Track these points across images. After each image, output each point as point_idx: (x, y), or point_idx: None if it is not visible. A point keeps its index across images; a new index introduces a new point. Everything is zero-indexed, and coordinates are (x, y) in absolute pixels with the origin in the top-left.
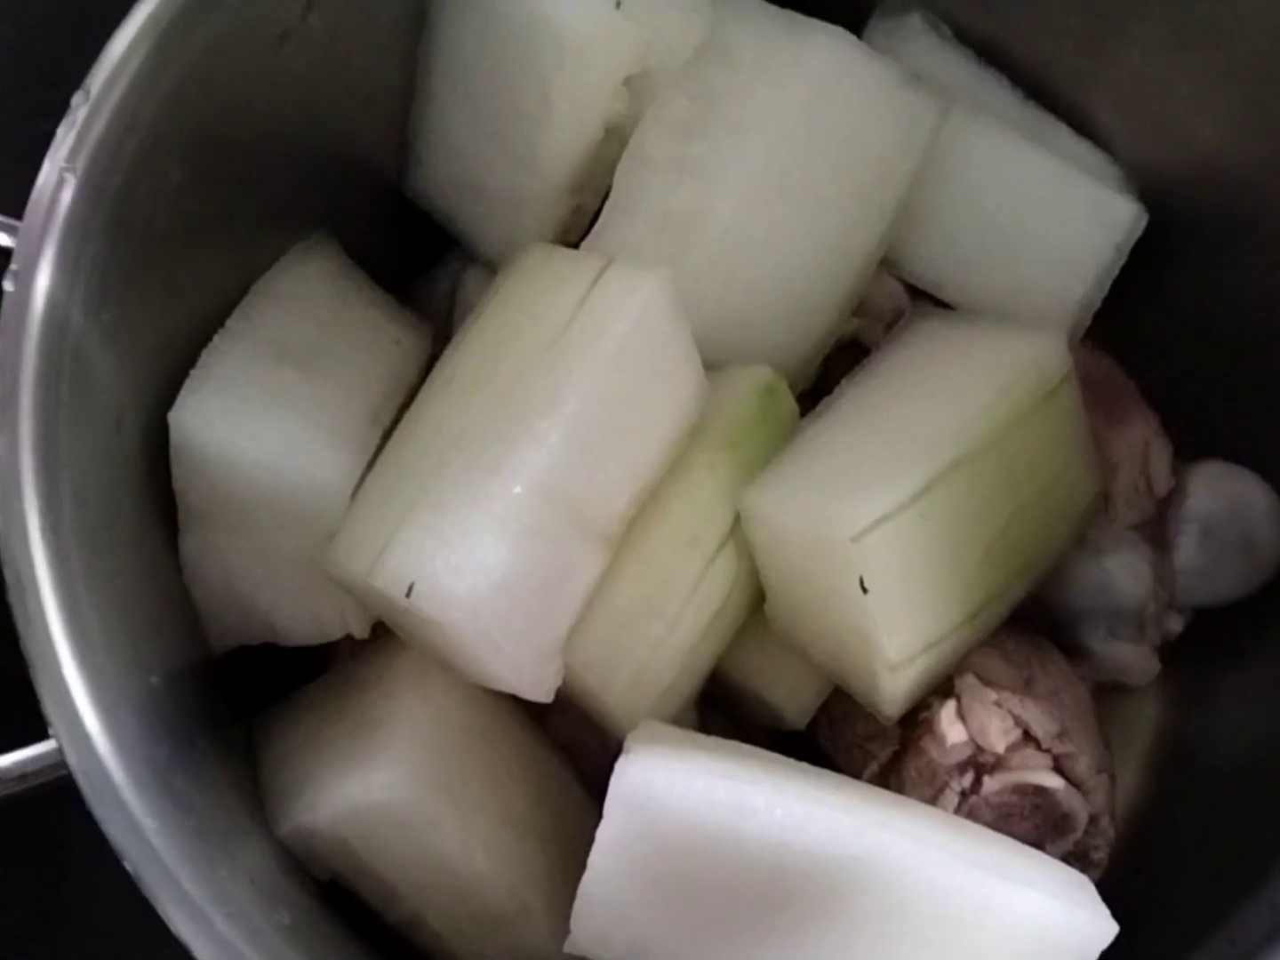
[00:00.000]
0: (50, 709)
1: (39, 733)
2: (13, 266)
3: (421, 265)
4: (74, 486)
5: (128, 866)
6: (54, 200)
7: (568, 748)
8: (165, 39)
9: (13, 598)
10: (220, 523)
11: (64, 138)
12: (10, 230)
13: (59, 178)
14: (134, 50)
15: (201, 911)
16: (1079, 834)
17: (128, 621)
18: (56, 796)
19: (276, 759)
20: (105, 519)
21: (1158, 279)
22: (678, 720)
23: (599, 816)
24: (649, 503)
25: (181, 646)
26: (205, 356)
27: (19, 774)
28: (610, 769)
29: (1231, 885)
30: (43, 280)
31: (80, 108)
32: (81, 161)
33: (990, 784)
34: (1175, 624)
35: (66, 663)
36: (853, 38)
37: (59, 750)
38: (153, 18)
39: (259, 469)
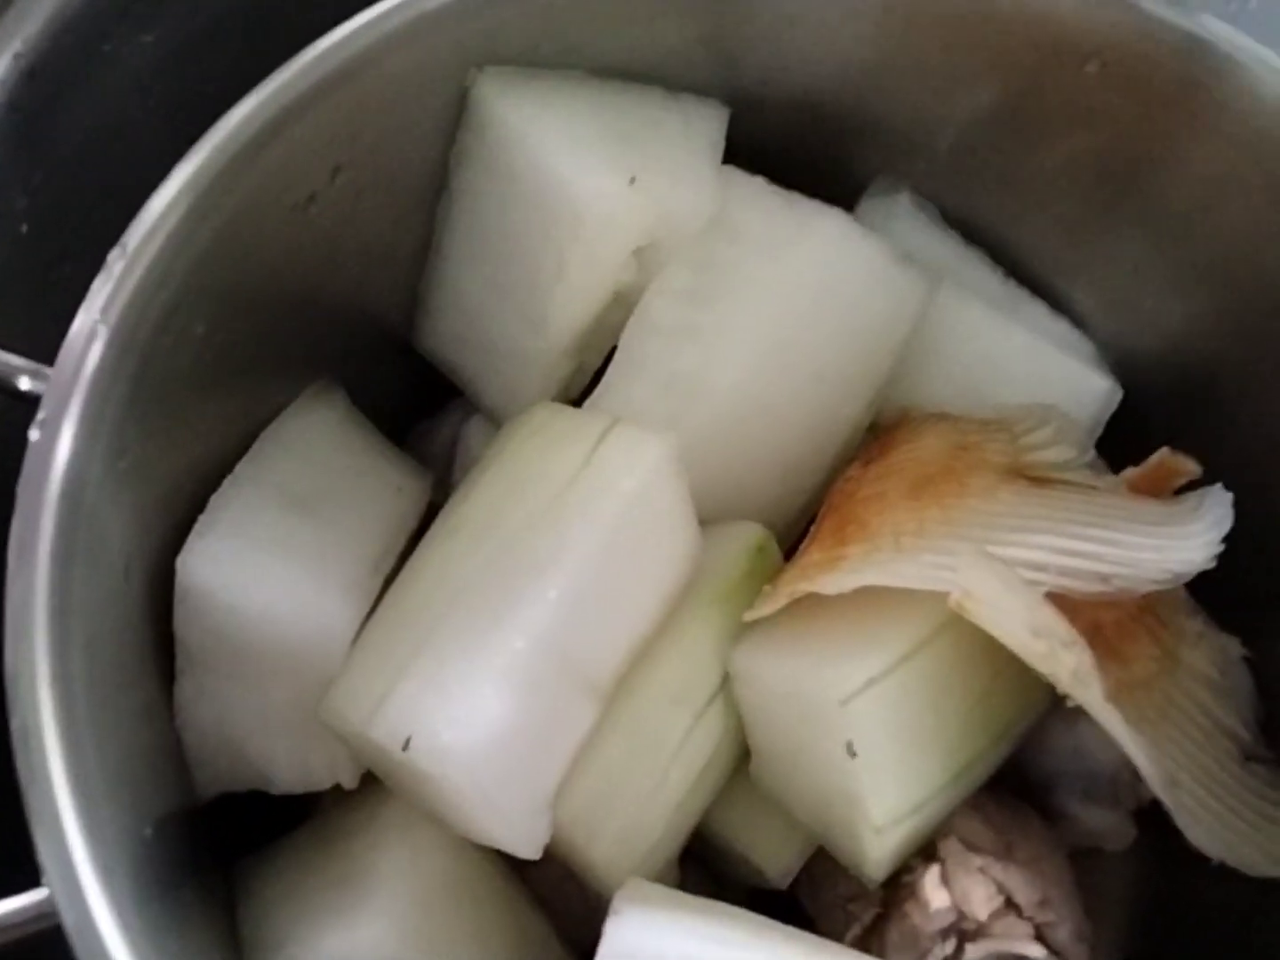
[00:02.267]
0: (48, 862)
1: (21, 883)
2: (40, 415)
3: (422, 412)
4: (83, 634)
5: None
6: (85, 351)
7: (548, 902)
8: (201, 200)
9: (17, 746)
10: (217, 667)
11: (99, 290)
12: (37, 376)
13: (92, 329)
14: (171, 210)
15: None
16: None
17: (126, 772)
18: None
19: (258, 909)
20: (109, 666)
21: (1133, 456)
22: (661, 876)
23: None
24: (641, 657)
25: (172, 794)
26: (214, 502)
27: (6, 924)
28: (590, 923)
29: None
30: (68, 430)
31: (117, 263)
32: (114, 314)
33: (973, 951)
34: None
35: (68, 817)
36: (849, 218)
37: (48, 900)
38: (191, 179)
39: (262, 613)
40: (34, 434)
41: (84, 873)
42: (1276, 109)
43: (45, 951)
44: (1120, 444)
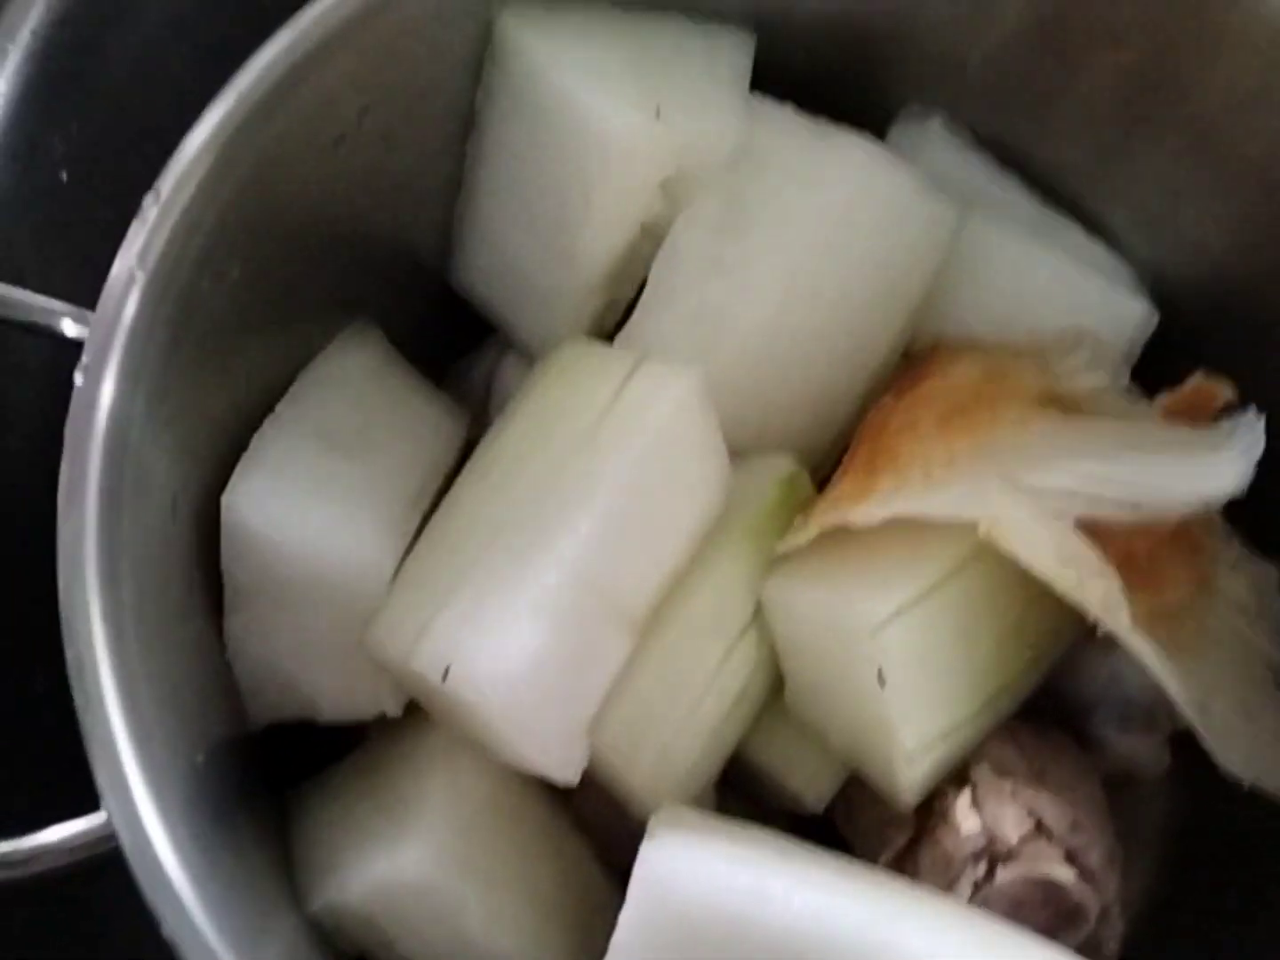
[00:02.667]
0: (105, 786)
1: (78, 807)
2: (83, 360)
3: (457, 351)
4: (132, 571)
5: (167, 936)
6: (124, 296)
7: (589, 828)
8: (231, 144)
9: (73, 677)
10: (265, 602)
11: (135, 236)
12: (81, 320)
13: (129, 274)
14: (202, 154)
15: None
16: (1091, 926)
17: (177, 701)
18: (90, 875)
19: (308, 836)
20: (158, 601)
21: (1170, 379)
22: (698, 801)
23: (617, 895)
24: (674, 589)
25: (223, 723)
26: (256, 442)
27: (67, 847)
28: (630, 849)
29: None
30: (110, 374)
31: (151, 208)
32: (151, 259)
33: (1004, 875)
34: None
35: (122, 742)
36: (878, 145)
37: (106, 824)
38: (220, 124)
39: (305, 550)
40: (78, 378)
41: (139, 796)
42: None
43: (105, 873)
44: (1157, 369)
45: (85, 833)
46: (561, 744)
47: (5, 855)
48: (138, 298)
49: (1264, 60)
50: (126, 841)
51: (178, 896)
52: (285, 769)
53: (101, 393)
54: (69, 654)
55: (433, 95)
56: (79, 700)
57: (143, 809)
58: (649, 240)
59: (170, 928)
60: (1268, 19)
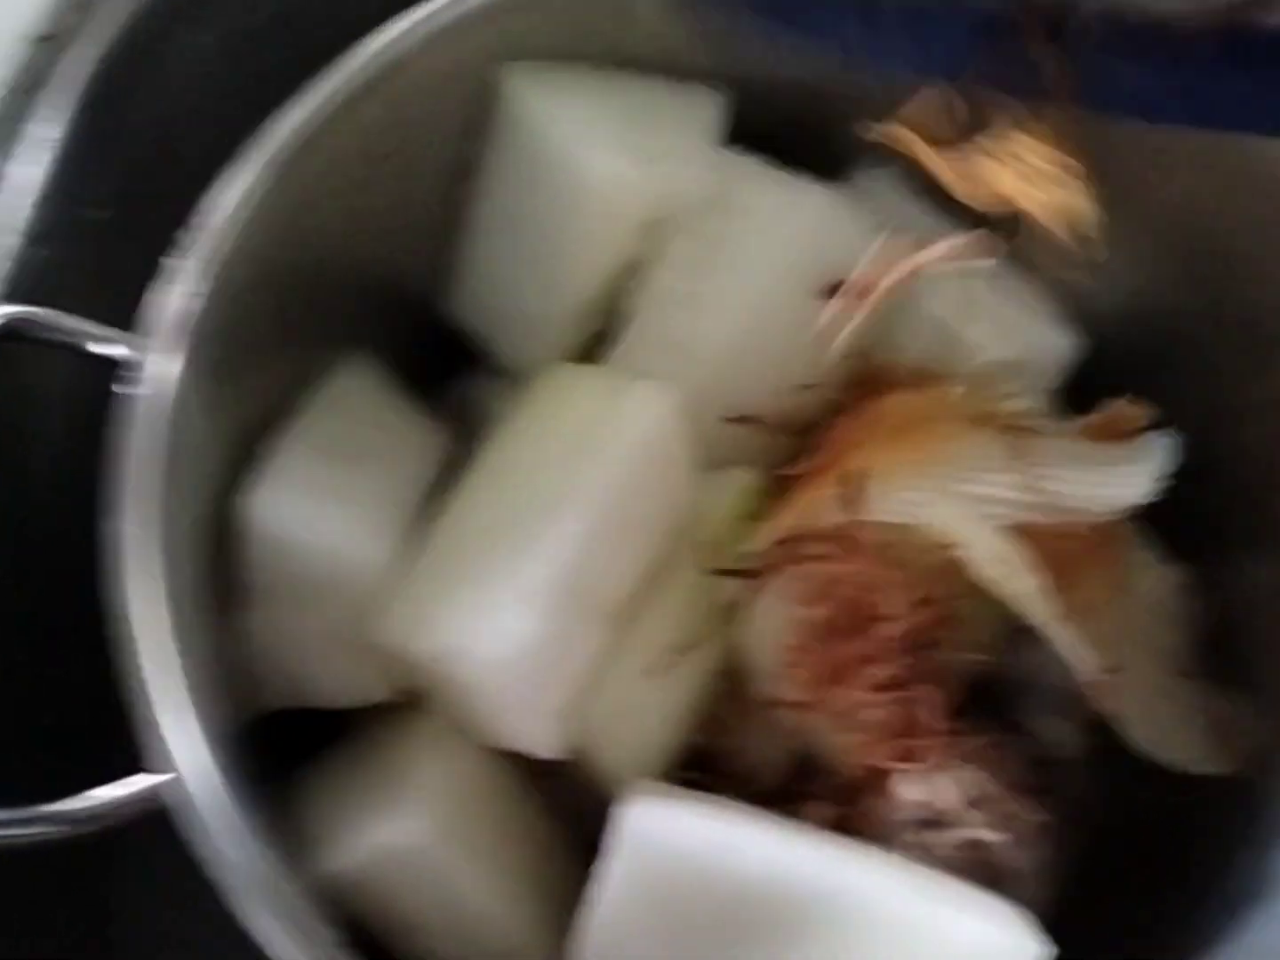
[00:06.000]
0: (176, 746)
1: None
2: (142, 371)
3: (444, 374)
4: (185, 561)
5: (232, 881)
6: (177, 317)
7: (565, 810)
8: (265, 189)
9: (142, 646)
10: (279, 598)
11: (180, 268)
12: (127, 342)
13: (181, 298)
14: (242, 197)
15: (301, 920)
16: (1019, 889)
17: (215, 678)
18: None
19: (312, 809)
20: (199, 590)
21: (1098, 399)
22: (664, 781)
23: (582, 871)
24: (649, 586)
25: (243, 704)
26: (273, 453)
27: (120, 804)
28: (595, 829)
29: (1146, 939)
30: (170, 382)
31: (194, 244)
32: (199, 286)
33: (940, 839)
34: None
35: (187, 707)
36: (833, 194)
37: (146, 790)
38: (257, 170)
39: (317, 551)
40: (139, 391)
41: (198, 749)
42: None
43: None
44: (1084, 391)
45: (144, 790)
46: (547, 723)
47: (76, 811)
48: (191, 318)
49: None
50: (194, 792)
51: (245, 839)
52: (286, 754)
53: (162, 403)
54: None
55: (438, 143)
56: (152, 671)
57: (202, 764)
58: (630, 276)
59: (231, 864)
60: None
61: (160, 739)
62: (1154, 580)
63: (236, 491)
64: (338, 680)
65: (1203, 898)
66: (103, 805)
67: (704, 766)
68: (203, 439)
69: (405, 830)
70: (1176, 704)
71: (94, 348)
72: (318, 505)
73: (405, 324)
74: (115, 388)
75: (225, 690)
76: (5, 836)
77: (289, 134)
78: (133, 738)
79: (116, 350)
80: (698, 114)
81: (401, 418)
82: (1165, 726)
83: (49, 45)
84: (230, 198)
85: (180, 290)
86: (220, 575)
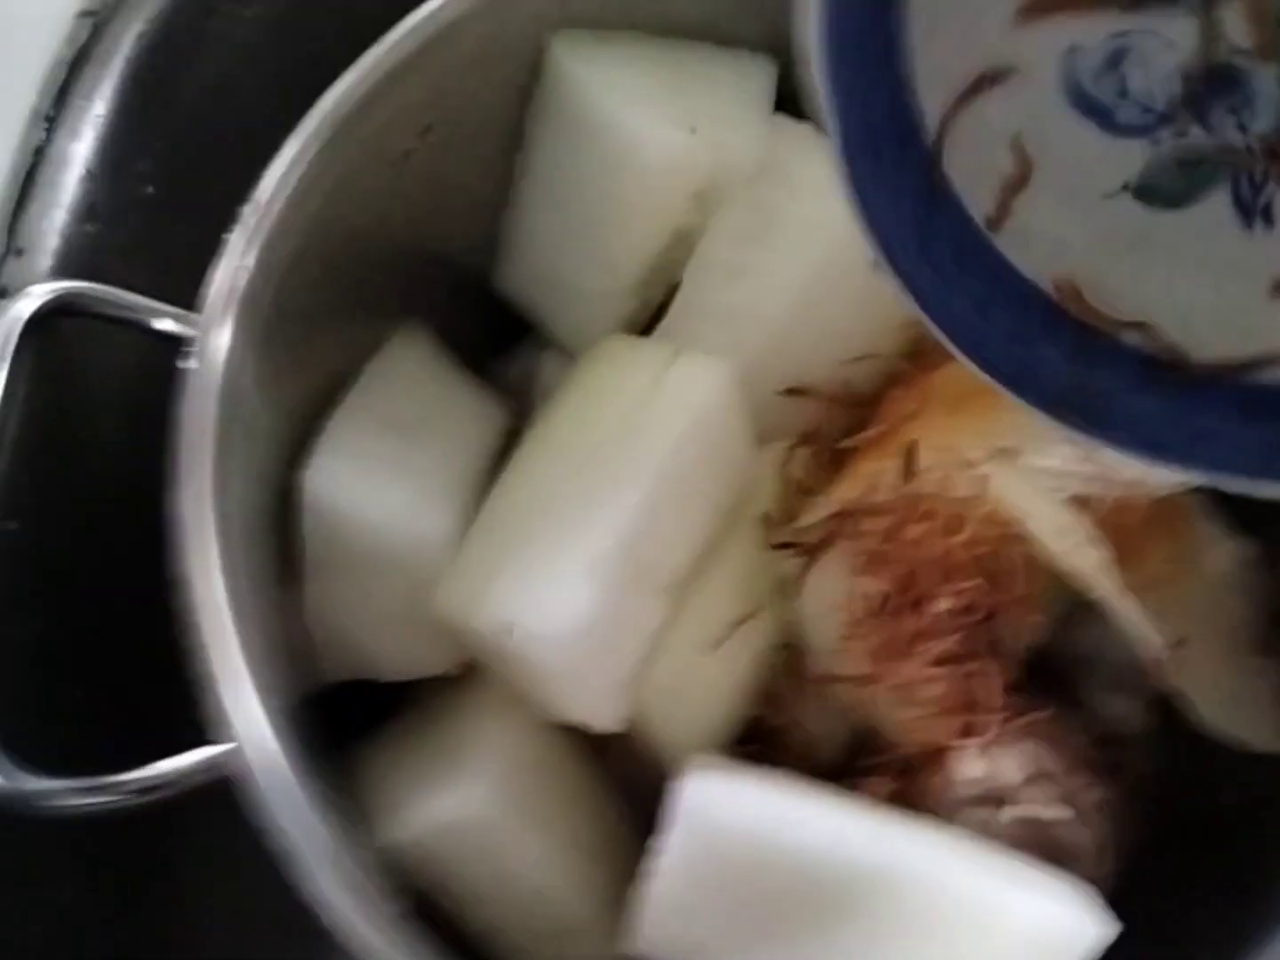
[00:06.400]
0: (236, 716)
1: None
2: (195, 346)
3: (498, 348)
4: (240, 534)
5: (294, 849)
6: (231, 292)
7: (622, 784)
8: (316, 160)
9: (202, 622)
10: (338, 571)
11: (238, 241)
12: (185, 321)
13: (234, 273)
14: (291, 171)
15: (360, 887)
16: (1083, 865)
17: (275, 650)
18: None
19: (372, 781)
20: (257, 563)
21: None
22: (723, 755)
23: (641, 845)
24: (707, 559)
25: (303, 676)
26: (329, 427)
27: (184, 774)
28: (654, 803)
29: (1228, 918)
30: (222, 356)
31: (250, 217)
32: (250, 260)
33: (1005, 815)
34: None
35: (249, 677)
36: None
37: (227, 752)
38: (306, 142)
39: (376, 524)
40: (192, 362)
41: (261, 720)
42: None
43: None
44: None
45: (204, 761)
46: (607, 696)
47: (137, 781)
48: (242, 292)
49: None
50: (255, 763)
51: (303, 806)
52: (348, 725)
53: (216, 373)
54: (193, 599)
55: (487, 115)
56: (208, 640)
57: (266, 734)
58: (681, 246)
59: (293, 834)
60: None
61: (220, 709)
62: (1220, 554)
63: (295, 465)
64: (397, 653)
65: (1270, 883)
66: (165, 775)
67: (762, 740)
68: (257, 412)
69: (466, 802)
70: (1244, 681)
71: (145, 322)
72: (375, 478)
73: (459, 297)
74: (174, 362)
75: (286, 662)
76: (71, 805)
77: (336, 108)
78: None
79: (167, 325)
80: (748, 82)
81: (457, 390)
82: (1231, 704)
83: (93, 20)
84: (277, 172)
85: (229, 265)
86: (281, 548)
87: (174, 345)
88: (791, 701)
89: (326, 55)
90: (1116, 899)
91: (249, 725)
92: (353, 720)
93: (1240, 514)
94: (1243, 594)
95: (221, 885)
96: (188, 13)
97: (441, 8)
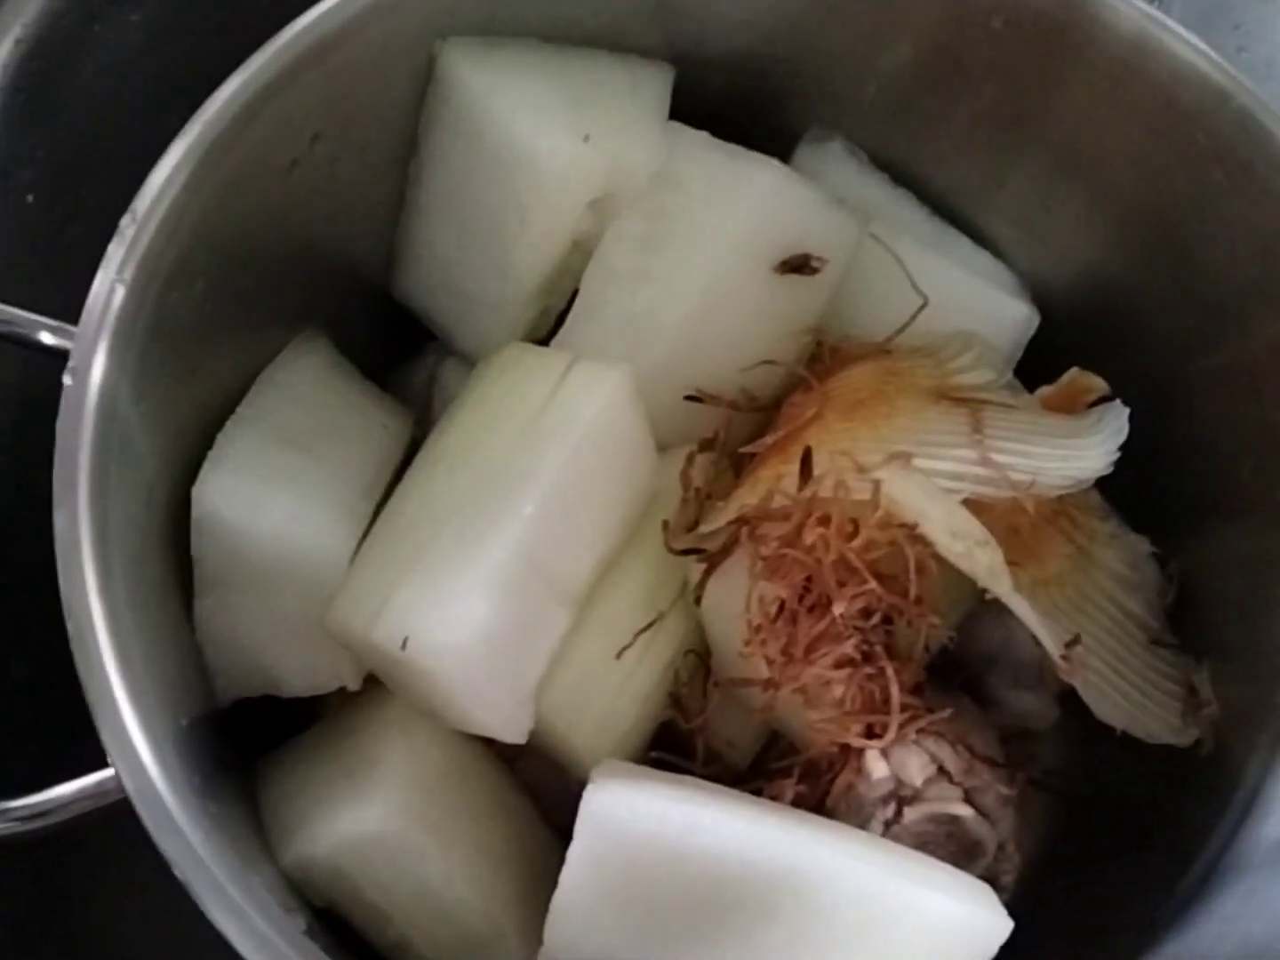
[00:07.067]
0: (110, 743)
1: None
2: (71, 364)
3: (399, 356)
4: (120, 554)
5: (177, 873)
6: (106, 306)
7: (533, 790)
8: (198, 169)
9: (75, 648)
10: (232, 586)
11: (115, 252)
12: (60, 333)
13: (110, 287)
14: (172, 180)
15: (242, 910)
16: (989, 860)
17: (162, 672)
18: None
19: (278, 798)
20: (141, 583)
21: (1051, 374)
22: (633, 761)
23: (561, 851)
24: (609, 568)
25: (197, 697)
26: (220, 439)
27: (75, 800)
28: (569, 809)
29: (1119, 909)
30: (96, 375)
31: (129, 228)
32: (129, 273)
33: (910, 814)
34: None
35: (123, 704)
36: (784, 166)
37: (108, 780)
38: (188, 150)
39: (270, 538)
40: (67, 379)
41: (139, 746)
42: (1136, 43)
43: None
44: (1038, 365)
45: (91, 786)
46: (510, 708)
47: (23, 808)
48: (119, 307)
49: (1109, 88)
50: (131, 789)
51: (178, 830)
52: (252, 741)
53: (89, 393)
54: (70, 626)
55: (378, 122)
56: (82, 667)
57: (145, 761)
58: (579, 254)
59: (173, 858)
60: (1108, 49)
61: (104, 733)
62: (1117, 551)
63: (185, 480)
64: (296, 669)
65: (1178, 869)
66: (54, 800)
67: (673, 746)
68: (140, 428)
69: (374, 817)
70: (1142, 675)
71: (25, 335)
72: (267, 490)
73: (357, 306)
74: (56, 377)
75: (176, 682)
76: None
77: (217, 116)
78: None
79: (47, 338)
80: (644, 88)
81: (355, 399)
82: (1129, 697)
83: None
84: (157, 183)
85: (106, 278)
86: (175, 564)
87: (56, 359)
88: (699, 706)
89: (213, 62)
90: (1027, 891)
91: (124, 750)
92: (266, 736)
93: (1133, 513)
94: (1139, 590)
95: (133, 906)
96: (69, 17)
97: (328, 13)
